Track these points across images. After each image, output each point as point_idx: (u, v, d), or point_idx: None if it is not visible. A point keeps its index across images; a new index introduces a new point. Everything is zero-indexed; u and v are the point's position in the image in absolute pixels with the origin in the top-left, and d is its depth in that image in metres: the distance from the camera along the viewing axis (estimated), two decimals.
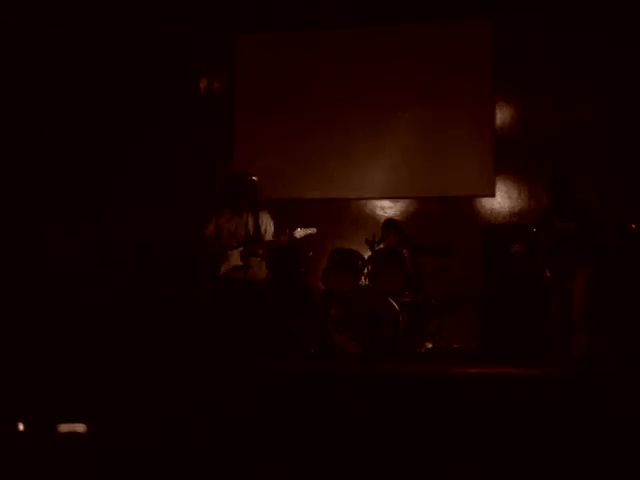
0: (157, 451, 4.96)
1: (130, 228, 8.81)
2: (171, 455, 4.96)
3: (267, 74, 10.02)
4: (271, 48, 10.06)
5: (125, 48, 9.81)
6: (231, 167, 9.78)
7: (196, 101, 10.05)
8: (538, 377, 6.11)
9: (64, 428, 4.97)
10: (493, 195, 9.57)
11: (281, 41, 10.03)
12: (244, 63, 10.10)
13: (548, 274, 7.43)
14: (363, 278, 8.26)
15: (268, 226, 7.21)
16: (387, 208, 9.81)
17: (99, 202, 8.90)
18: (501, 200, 9.56)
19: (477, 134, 9.52)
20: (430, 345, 8.31)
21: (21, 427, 4.96)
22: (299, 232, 6.94)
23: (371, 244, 8.36)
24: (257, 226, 7.00)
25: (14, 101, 8.99)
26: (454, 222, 9.38)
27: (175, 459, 4.93)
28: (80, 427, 4.97)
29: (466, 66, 9.57)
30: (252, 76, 10.06)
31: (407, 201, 9.76)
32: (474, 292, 8.75)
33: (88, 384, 5.43)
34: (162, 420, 5.14)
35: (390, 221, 8.76)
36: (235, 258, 7.08)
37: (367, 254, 8.40)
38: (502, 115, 9.60)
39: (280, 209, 7.75)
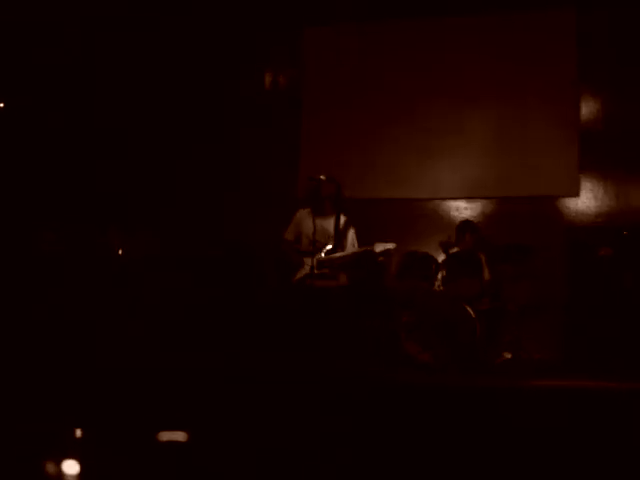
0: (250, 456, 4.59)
1: (189, 229, 8.57)
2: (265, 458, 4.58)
3: (336, 68, 9.60)
4: (340, 41, 9.64)
5: (189, 46, 9.56)
6: (297, 167, 9.40)
7: (262, 98, 9.72)
8: (629, 391, 5.55)
9: (164, 437, 4.57)
10: (577, 195, 8.99)
11: (351, 33, 9.61)
12: (312, 57, 9.72)
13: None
14: (437, 283, 7.86)
15: (350, 234, 6.99)
16: (463, 209, 9.31)
17: (159, 202, 8.71)
18: (586, 200, 8.97)
19: (560, 129, 8.97)
20: (509, 356, 7.84)
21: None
22: (378, 247, 6.72)
23: (446, 247, 8.03)
24: (339, 233, 6.86)
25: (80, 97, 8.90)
26: (535, 224, 8.83)
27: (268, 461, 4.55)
28: (181, 435, 4.58)
29: (549, 58, 9.06)
30: (320, 71, 9.66)
31: (484, 201, 9.26)
32: (557, 298, 8.27)
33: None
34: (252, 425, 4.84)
35: (466, 222, 8.33)
36: (313, 264, 6.84)
37: (441, 258, 8.02)
38: (587, 109, 9.04)
39: (349, 209, 7.39)
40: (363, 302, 7.70)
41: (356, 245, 7.03)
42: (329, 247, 6.99)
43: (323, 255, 6.90)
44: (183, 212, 8.87)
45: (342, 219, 6.98)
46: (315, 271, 6.82)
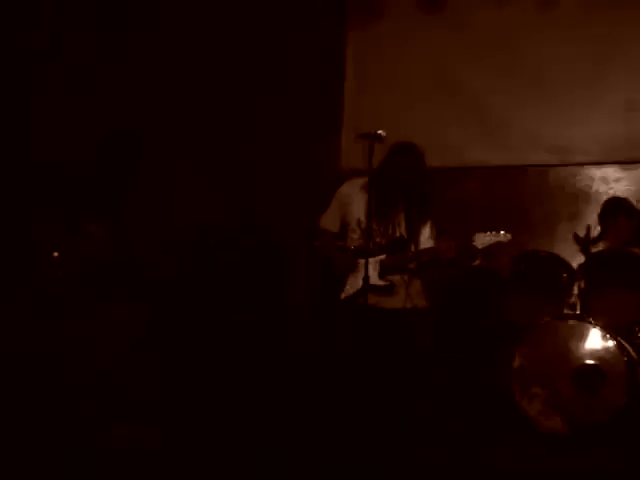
0: None
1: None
2: None
3: None
4: None
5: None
6: (339, 122, 7.40)
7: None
8: None
9: None
10: None
11: None
12: None
13: None
14: (571, 302, 5.96)
15: (429, 225, 5.47)
16: (613, 181, 7.13)
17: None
18: None
19: None
20: None
21: None
22: (480, 239, 5.22)
23: (584, 243, 6.00)
24: (413, 220, 5.36)
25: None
26: None
27: None
28: None
29: None
30: None
31: None
32: None
33: None
34: None
35: (617, 202, 6.38)
36: (369, 271, 5.18)
37: (578, 260, 6.09)
38: None
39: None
40: (453, 334, 6.07)
41: (434, 241, 5.44)
42: (395, 242, 5.34)
43: (385, 256, 5.28)
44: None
45: (418, 198, 5.32)
46: (375, 281, 5.23)
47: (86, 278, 5.65)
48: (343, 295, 5.38)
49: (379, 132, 5.12)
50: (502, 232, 5.25)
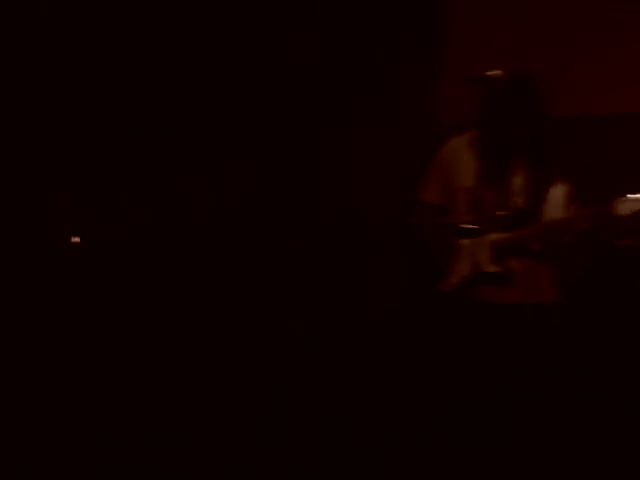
0: None
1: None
2: None
3: None
4: None
5: None
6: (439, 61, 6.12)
7: None
8: None
9: None
10: None
11: None
12: None
13: None
14: None
15: (560, 188, 4.24)
16: None
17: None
18: None
19: None
20: None
21: None
22: (627, 204, 3.94)
23: None
24: (538, 184, 4.16)
25: None
26: None
27: None
28: None
29: None
30: None
31: None
32: None
33: None
34: None
35: None
36: (481, 254, 4.19)
37: None
38: None
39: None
40: (593, 337, 4.89)
41: (570, 208, 4.23)
42: (513, 215, 4.14)
43: (502, 233, 4.12)
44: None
45: (542, 156, 4.11)
46: (487, 268, 4.12)
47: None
48: (445, 286, 4.21)
49: (492, 73, 4.01)
50: None
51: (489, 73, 3.98)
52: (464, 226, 4.13)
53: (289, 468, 4.03)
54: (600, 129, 5.66)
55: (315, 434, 4.36)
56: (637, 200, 3.89)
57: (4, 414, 4.24)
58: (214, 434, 4.28)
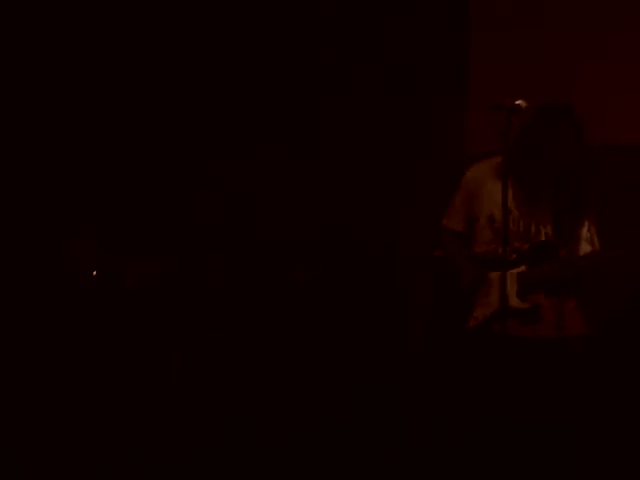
0: None
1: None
2: None
3: None
4: None
5: None
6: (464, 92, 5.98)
7: None
8: None
9: None
10: None
11: None
12: None
13: None
14: None
15: (585, 225, 4.24)
16: None
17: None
18: None
19: None
20: None
21: None
22: None
23: None
24: (566, 215, 4.14)
25: None
26: None
27: None
28: None
29: None
30: None
31: None
32: None
33: None
34: None
35: None
36: (508, 288, 4.04)
37: None
38: None
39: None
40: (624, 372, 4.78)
41: (596, 243, 4.22)
42: (539, 248, 4.13)
43: (528, 266, 4.10)
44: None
45: (575, 185, 4.08)
46: (513, 302, 4.01)
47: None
48: (473, 322, 4.12)
49: (517, 102, 3.87)
50: None
51: (517, 102, 3.84)
52: (491, 258, 4.04)
53: None
54: (619, 160, 5.52)
55: (351, 467, 4.33)
56: None
57: (17, 419, 4.30)
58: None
